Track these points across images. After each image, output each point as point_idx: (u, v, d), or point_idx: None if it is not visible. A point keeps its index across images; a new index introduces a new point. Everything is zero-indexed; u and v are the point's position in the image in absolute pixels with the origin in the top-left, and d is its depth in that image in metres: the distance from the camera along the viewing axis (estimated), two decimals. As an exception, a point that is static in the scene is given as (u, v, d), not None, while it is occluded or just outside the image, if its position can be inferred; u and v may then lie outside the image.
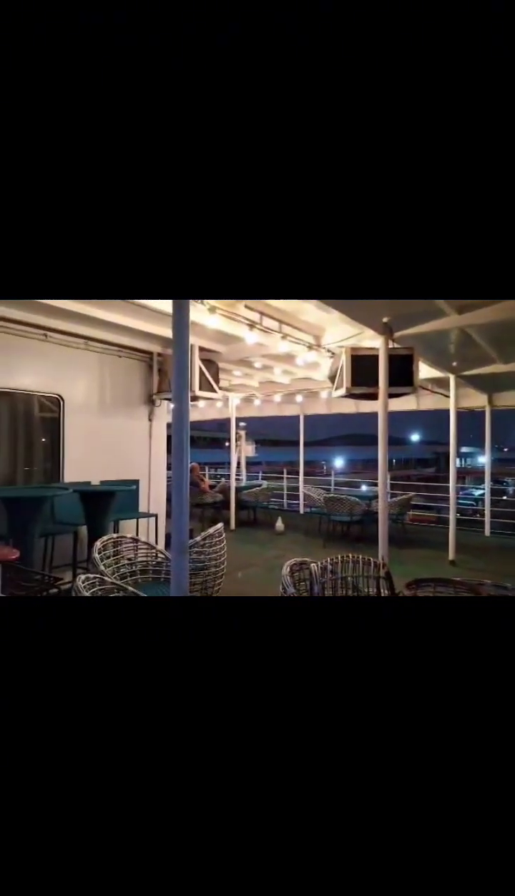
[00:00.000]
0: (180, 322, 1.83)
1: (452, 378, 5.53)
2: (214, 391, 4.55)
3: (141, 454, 4.83)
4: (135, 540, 3.45)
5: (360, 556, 2.61)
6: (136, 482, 4.61)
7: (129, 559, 3.39)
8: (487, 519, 7.45)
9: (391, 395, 3.67)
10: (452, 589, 2.14)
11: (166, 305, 3.34)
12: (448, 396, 5.76)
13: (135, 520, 4.61)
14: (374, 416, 3.58)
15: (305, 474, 9.73)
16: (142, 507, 4.77)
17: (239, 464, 9.71)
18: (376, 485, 6.51)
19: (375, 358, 3.61)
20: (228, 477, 8.94)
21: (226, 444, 8.97)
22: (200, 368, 4.38)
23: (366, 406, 7.09)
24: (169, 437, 5.28)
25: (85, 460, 4.28)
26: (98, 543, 3.04)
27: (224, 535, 3.80)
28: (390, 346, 3.59)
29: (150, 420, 4.92)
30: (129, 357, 4.70)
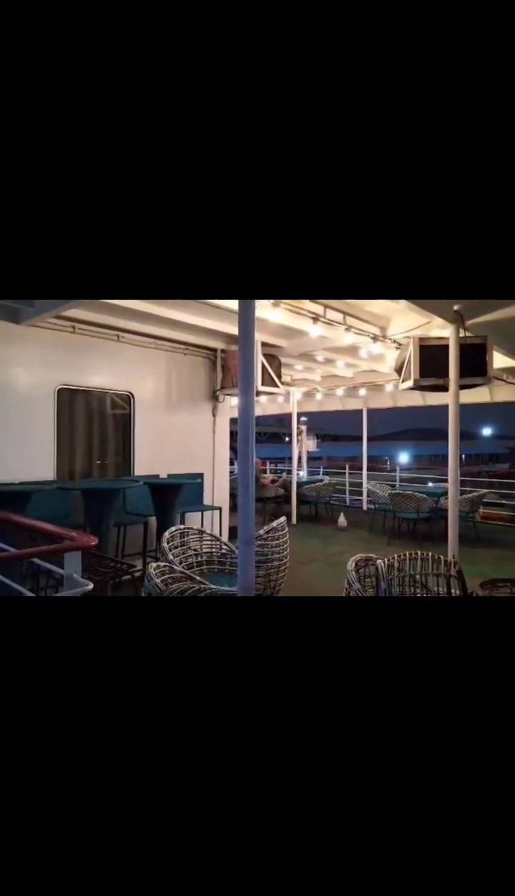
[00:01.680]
0: (246, 319, 1.86)
1: (530, 367, 5.14)
2: (276, 386, 4.57)
3: (205, 448, 4.97)
4: (201, 531, 3.56)
5: (429, 554, 2.52)
6: (201, 475, 4.76)
7: (195, 550, 3.51)
8: None
9: (462, 387, 3.48)
10: (532, 592, 2.00)
11: (231, 303, 3.41)
12: (525, 387, 5.36)
13: (199, 512, 4.76)
14: (440, 409, 3.43)
15: (368, 470, 9.50)
16: (207, 500, 4.92)
17: (300, 459, 9.69)
18: (443, 481, 6.19)
19: (445, 348, 3.44)
20: (289, 472, 8.94)
21: (286, 438, 8.96)
22: (263, 363, 4.41)
23: (434, 399, 6.77)
24: (232, 432, 5.39)
25: (153, 454, 4.48)
26: (166, 534, 3.18)
27: (286, 529, 3.81)
28: (461, 335, 3.40)
29: (214, 415, 5.05)
30: (194, 354, 4.84)
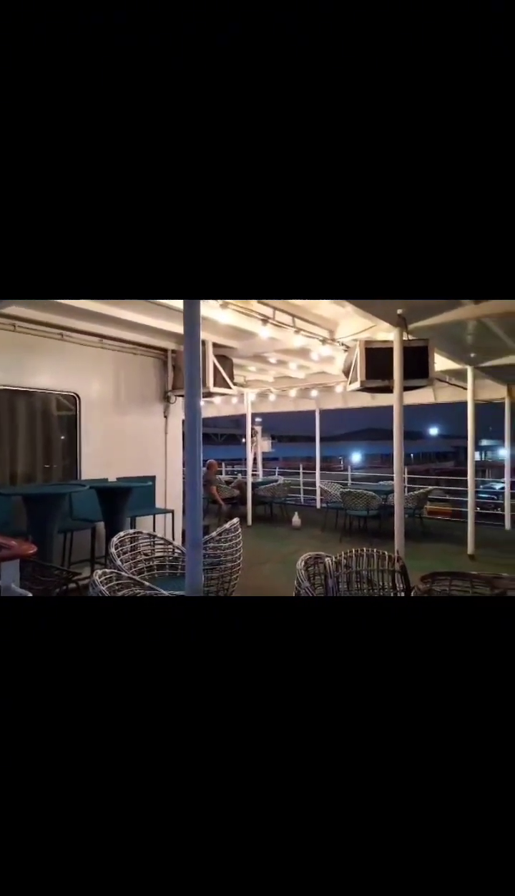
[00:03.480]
0: (191, 319, 1.84)
1: (469, 370, 5.42)
2: (229, 387, 4.56)
3: (156, 451, 4.88)
4: (152, 536, 3.49)
5: (375, 551, 2.60)
6: (152, 478, 4.67)
7: (146, 554, 3.43)
8: (507, 513, 7.31)
9: (406, 388, 3.62)
10: (469, 583, 2.11)
11: (180, 303, 3.36)
12: (465, 388, 5.66)
13: (151, 516, 4.67)
14: (391, 410, 3.54)
15: (323, 470, 9.68)
16: (159, 504, 4.83)
17: (255, 460, 9.73)
18: (392, 479, 6.40)
19: (389, 351, 3.56)
20: (245, 473, 8.96)
21: (243, 440, 8.98)
22: (214, 364, 4.39)
23: (382, 399, 7.01)
24: (185, 434, 5.31)
25: (101, 457, 4.34)
26: (115, 539, 3.10)
27: (239, 531, 3.81)
28: (405, 338, 3.54)
29: (166, 417, 4.96)
30: (144, 354, 4.74)
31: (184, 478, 5.40)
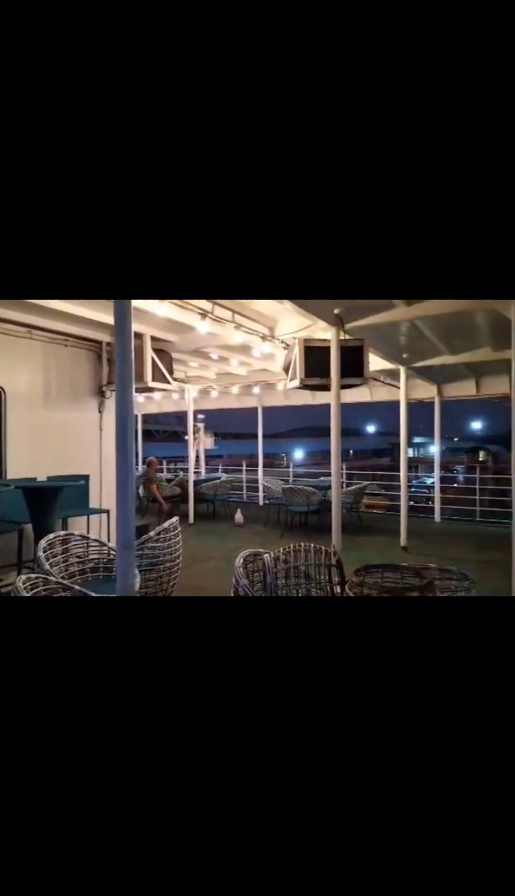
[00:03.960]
0: (121, 312, 1.77)
1: (402, 370, 5.67)
2: (168, 382, 4.44)
3: (91, 448, 4.65)
4: (85, 537, 3.33)
5: (312, 546, 2.63)
6: (86, 477, 4.45)
7: (79, 557, 3.27)
8: (437, 506, 7.76)
9: (343, 387, 3.71)
10: (399, 574, 2.19)
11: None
12: (399, 388, 5.92)
13: (85, 517, 4.45)
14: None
15: (267, 466, 9.76)
16: (94, 503, 4.61)
17: (197, 457, 9.61)
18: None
19: (327, 349, 3.63)
20: (187, 471, 8.82)
21: (186, 437, 8.83)
22: (153, 358, 4.25)
23: (323, 398, 7.18)
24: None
25: (29, 455, 4.08)
26: (43, 542, 2.92)
27: (179, 530, 3.73)
28: (341, 337, 3.62)
29: (101, 412, 4.75)
30: (77, 346, 4.50)
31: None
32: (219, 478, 8.78)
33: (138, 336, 4.09)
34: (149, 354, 4.22)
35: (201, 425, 9.61)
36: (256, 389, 7.91)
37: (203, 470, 10.29)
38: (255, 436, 9.55)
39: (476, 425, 35.45)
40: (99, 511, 4.57)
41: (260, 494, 9.06)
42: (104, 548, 3.35)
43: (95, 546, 3.39)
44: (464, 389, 7.24)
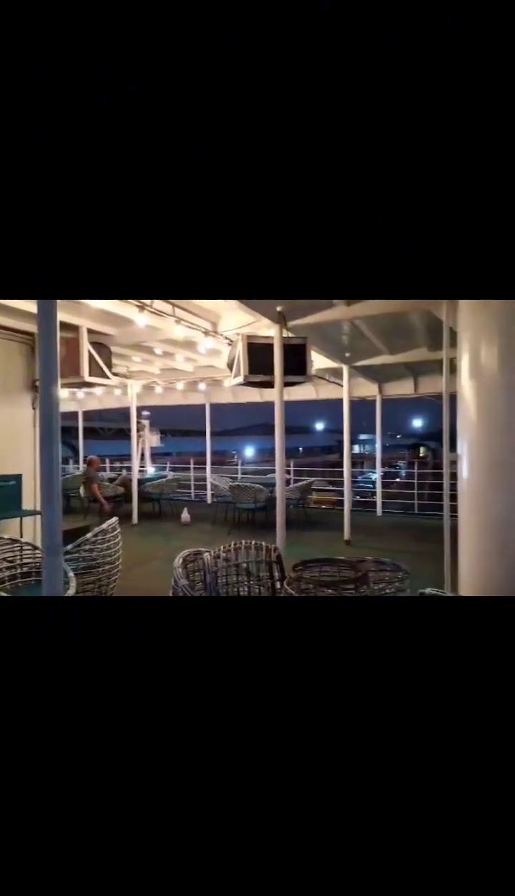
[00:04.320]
0: (45, 302, 1.66)
1: (345, 368, 5.81)
2: (107, 377, 4.26)
3: (24, 446, 4.38)
4: (15, 541, 3.14)
5: (253, 542, 2.62)
6: (18, 477, 4.19)
7: (10, 562, 3.08)
8: (379, 500, 8.05)
9: (287, 384, 3.73)
10: (336, 567, 2.23)
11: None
12: (342, 386, 6.06)
13: (17, 519, 4.19)
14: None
15: (216, 465, 9.68)
16: (27, 505, 4.35)
17: (142, 455, 9.35)
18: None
19: (271, 346, 3.64)
20: (131, 469, 8.58)
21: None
22: (90, 352, 4.06)
23: (270, 395, 7.21)
24: (62, 427, 4.84)
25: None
26: (-35, 547, 2.71)
27: (118, 531, 3.61)
28: (284, 335, 3.64)
29: (35, 408, 4.48)
30: (7, 339, 4.22)
31: (63, 475, 4.95)
32: (165, 476, 8.60)
33: (74, 328, 3.89)
34: (86, 347, 4.02)
35: (146, 422, 9.35)
36: (202, 386, 7.81)
37: (149, 468, 10.05)
38: (204, 433, 9.45)
39: (418, 423, 37.15)
40: (33, 513, 4.32)
41: (209, 493, 8.98)
42: (37, 551, 3.17)
43: (28, 550, 3.21)
44: (403, 388, 7.54)
